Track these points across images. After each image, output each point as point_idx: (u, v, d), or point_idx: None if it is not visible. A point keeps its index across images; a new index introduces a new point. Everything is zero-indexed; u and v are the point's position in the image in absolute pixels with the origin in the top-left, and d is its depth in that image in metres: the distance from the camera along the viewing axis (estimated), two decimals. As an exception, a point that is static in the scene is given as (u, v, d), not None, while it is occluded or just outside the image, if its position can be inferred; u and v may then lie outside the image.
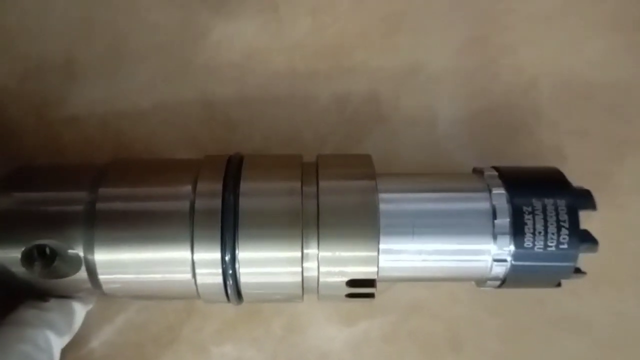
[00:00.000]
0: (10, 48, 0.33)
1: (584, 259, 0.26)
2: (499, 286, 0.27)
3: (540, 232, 0.25)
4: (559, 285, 0.27)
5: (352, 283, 0.26)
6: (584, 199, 0.26)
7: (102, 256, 0.25)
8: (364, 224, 0.25)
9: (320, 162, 0.27)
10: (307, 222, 0.25)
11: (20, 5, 0.33)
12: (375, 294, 0.26)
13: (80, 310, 0.27)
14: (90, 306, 0.28)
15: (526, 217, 0.25)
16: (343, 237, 0.25)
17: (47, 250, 0.24)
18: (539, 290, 0.32)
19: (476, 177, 0.27)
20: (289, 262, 0.25)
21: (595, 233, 0.26)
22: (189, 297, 0.27)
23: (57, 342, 0.26)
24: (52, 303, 0.26)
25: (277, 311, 0.33)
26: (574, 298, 0.32)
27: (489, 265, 0.26)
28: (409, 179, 0.28)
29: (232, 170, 0.26)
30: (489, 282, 0.27)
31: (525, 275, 0.26)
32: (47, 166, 0.28)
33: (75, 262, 0.25)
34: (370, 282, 0.26)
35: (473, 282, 0.28)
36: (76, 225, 0.25)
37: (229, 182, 0.26)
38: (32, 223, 0.25)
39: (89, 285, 0.26)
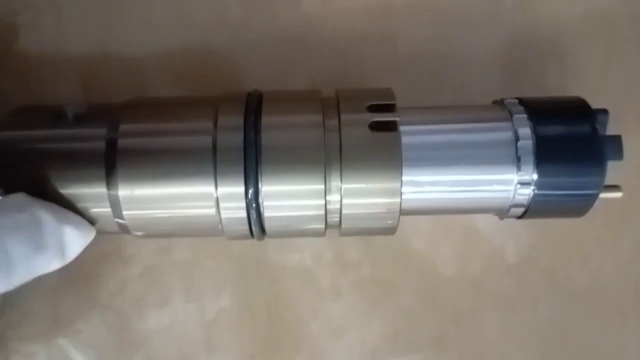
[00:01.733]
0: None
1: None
2: (522, 215, 0.27)
3: (565, 158, 0.25)
4: (583, 213, 0.27)
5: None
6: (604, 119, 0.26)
7: (125, 192, 0.25)
8: (387, 156, 0.25)
9: (341, 95, 0.27)
10: (329, 155, 0.25)
11: None
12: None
13: (61, 227, 0.24)
14: (87, 239, 0.26)
15: (549, 143, 0.25)
16: (366, 170, 0.25)
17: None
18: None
19: (497, 108, 0.27)
20: (313, 194, 0.25)
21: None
22: (212, 233, 0.27)
23: (22, 249, 0.23)
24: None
25: (297, 347, 0.32)
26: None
27: (511, 194, 0.26)
28: (431, 111, 0.27)
29: (252, 105, 0.26)
30: (512, 210, 0.27)
31: (550, 201, 0.26)
32: (55, 106, 0.27)
33: None
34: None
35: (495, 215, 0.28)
36: (98, 161, 0.25)
37: (250, 116, 0.25)
38: (53, 161, 0.25)
39: (115, 227, 0.26)
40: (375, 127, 0.25)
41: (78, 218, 0.25)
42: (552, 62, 0.33)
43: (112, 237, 0.31)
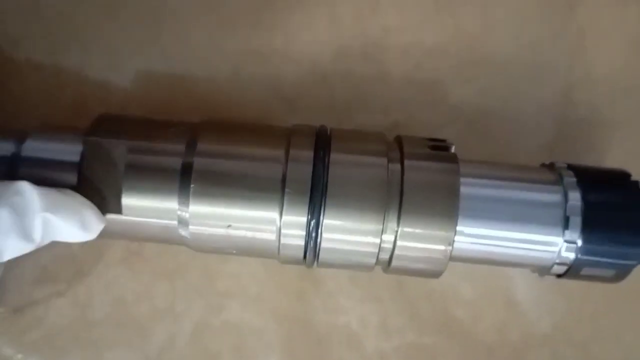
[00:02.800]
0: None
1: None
2: (561, 275, 0.28)
3: (610, 227, 0.26)
4: (620, 279, 0.28)
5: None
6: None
7: (195, 208, 0.26)
8: (445, 204, 0.26)
9: (404, 141, 0.28)
10: (390, 198, 0.26)
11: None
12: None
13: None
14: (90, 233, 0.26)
15: (597, 211, 0.27)
16: (423, 215, 0.26)
17: None
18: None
19: (548, 170, 0.29)
20: (370, 232, 0.26)
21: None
22: (267, 255, 0.28)
23: None
24: None
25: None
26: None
27: (555, 255, 0.27)
28: (486, 166, 0.29)
29: (322, 141, 0.27)
30: (553, 270, 0.28)
31: (591, 265, 0.27)
32: (136, 118, 0.29)
33: None
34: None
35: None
36: (173, 176, 0.26)
37: (319, 151, 0.27)
38: (129, 171, 0.26)
39: (177, 239, 0.27)
40: (436, 156, 0.27)
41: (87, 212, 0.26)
42: (598, 127, 0.34)
43: (165, 294, 0.33)
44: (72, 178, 0.26)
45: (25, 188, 0.24)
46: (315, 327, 0.33)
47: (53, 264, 0.32)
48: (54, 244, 0.25)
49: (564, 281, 0.29)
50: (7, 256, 0.24)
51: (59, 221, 0.24)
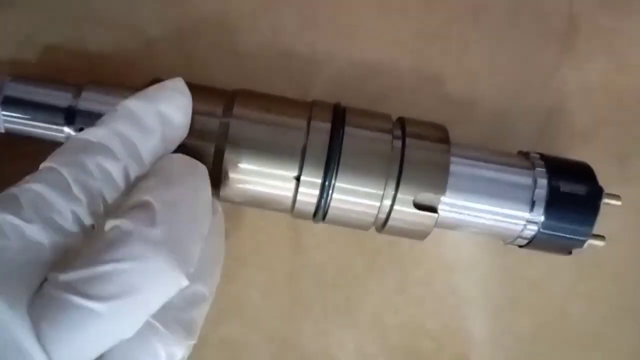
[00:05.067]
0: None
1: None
2: (523, 246, 0.34)
3: (569, 209, 0.32)
4: (570, 253, 0.34)
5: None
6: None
7: (230, 162, 0.31)
8: (437, 178, 0.32)
9: (407, 122, 0.33)
10: (391, 169, 0.31)
11: None
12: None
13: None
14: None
15: (560, 194, 0.32)
16: (418, 185, 0.31)
17: None
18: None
19: (523, 157, 0.34)
20: (372, 197, 0.31)
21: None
22: (282, 209, 0.33)
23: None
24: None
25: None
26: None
27: (521, 228, 0.33)
28: (471, 148, 0.34)
29: (338, 115, 0.32)
30: (517, 241, 0.34)
31: (549, 239, 0.33)
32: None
33: None
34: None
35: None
36: (210, 136, 0.31)
37: (336, 124, 0.32)
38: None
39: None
40: (431, 137, 0.33)
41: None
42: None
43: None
44: None
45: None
46: (301, 347, 0.38)
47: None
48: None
49: (516, 325, 0.36)
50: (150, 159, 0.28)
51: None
